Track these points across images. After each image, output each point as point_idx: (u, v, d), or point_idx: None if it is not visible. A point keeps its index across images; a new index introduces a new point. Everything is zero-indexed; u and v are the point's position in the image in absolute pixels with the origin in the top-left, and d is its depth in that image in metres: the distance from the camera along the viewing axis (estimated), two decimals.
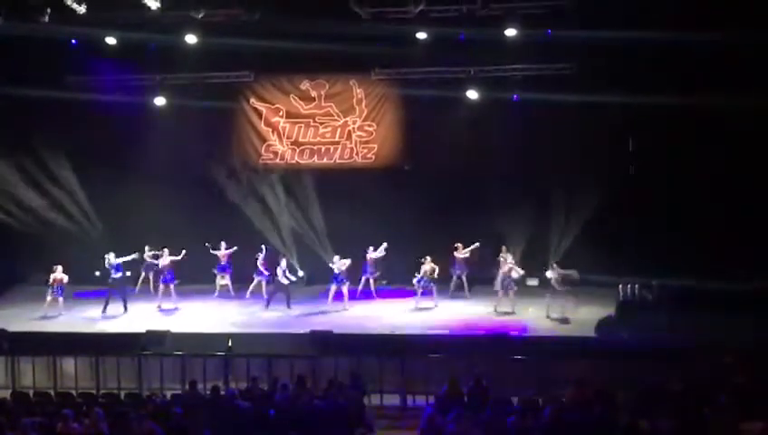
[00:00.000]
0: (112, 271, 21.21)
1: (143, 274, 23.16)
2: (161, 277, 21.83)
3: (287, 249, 23.21)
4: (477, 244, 21.90)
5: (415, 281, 21.48)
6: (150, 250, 22.60)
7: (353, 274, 22.04)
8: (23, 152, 23.91)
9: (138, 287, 23.09)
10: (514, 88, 22.64)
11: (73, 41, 22.66)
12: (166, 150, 23.68)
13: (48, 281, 21.07)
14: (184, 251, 21.69)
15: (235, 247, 22.56)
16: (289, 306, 21.35)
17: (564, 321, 19.80)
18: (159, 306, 21.73)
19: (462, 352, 16.96)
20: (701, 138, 21.05)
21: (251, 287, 22.45)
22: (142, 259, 22.57)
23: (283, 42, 21.60)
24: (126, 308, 21.32)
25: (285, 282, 21.34)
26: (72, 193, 24.22)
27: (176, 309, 21.63)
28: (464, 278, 22.16)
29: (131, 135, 23.92)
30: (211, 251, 22.59)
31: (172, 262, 21.74)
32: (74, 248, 23.11)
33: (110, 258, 21.20)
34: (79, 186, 24.20)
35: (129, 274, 22.42)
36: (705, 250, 20.44)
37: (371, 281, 22.37)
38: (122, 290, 21.48)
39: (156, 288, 22.51)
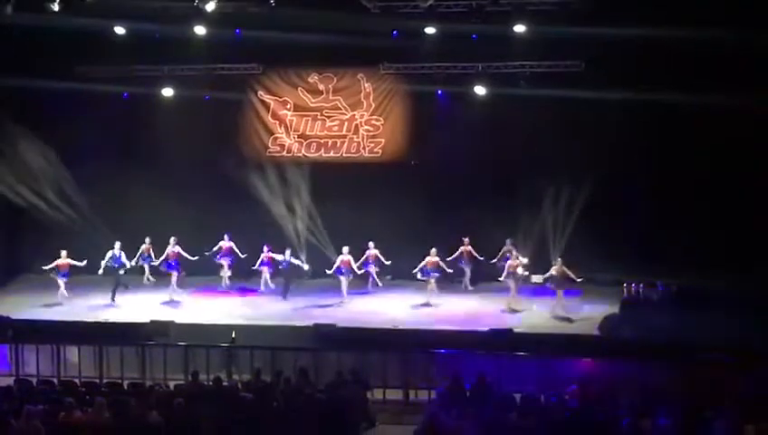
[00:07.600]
0: (112, 262, 21.43)
1: (144, 265, 22.75)
2: (165, 264, 21.72)
3: (292, 243, 23.18)
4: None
5: (420, 275, 21.50)
6: (150, 243, 22.45)
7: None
8: (28, 142, 23.89)
9: (146, 280, 22.78)
10: (522, 84, 22.58)
11: (81, 31, 22.60)
12: (172, 142, 23.71)
13: (53, 267, 21.15)
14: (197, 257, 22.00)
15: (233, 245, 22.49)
16: (285, 297, 21.49)
17: (568, 319, 19.78)
18: (171, 299, 21.61)
19: (465, 347, 16.98)
20: (709, 136, 20.95)
21: (262, 281, 22.45)
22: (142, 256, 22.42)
23: (291, 34, 21.57)
24: (114, 299, 21.34)
25: (292, 261, 21.67)
26: (77, 183, 24.12)
27: (179, 301, 21.60)
28: (467, 272, 22.21)
29: (138, 126, 23.95)
30: (206, 253, 22.41)
31: (179, 253, 21.73)
32: (78, 238, 23.06)
33: (115, 250, 21.43)
34: (84, 176, 24.11)
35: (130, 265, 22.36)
36: (710, 250, 20.41)
37: (374, 274, 22.30)
38: (116, 281, 21.50)
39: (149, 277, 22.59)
